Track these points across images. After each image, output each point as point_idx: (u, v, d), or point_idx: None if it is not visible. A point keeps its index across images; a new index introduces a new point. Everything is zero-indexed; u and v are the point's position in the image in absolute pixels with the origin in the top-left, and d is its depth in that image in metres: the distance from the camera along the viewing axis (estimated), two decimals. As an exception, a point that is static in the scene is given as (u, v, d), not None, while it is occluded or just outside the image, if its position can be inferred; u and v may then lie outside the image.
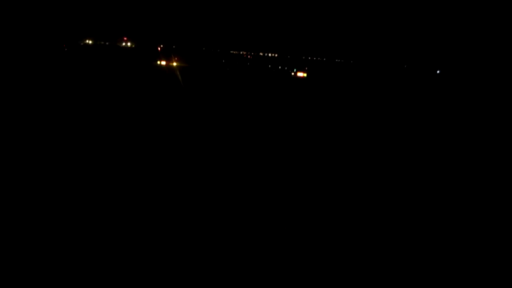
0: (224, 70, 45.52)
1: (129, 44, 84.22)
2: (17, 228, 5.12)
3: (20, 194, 6.19)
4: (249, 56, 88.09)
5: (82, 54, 50.16)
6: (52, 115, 12.49)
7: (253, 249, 5.09)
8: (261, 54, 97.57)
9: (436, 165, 10.30)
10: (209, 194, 6.88)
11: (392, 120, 18.32)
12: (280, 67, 59.31)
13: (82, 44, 71.10)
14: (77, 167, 7.64)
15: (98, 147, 9.30)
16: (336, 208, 6.73)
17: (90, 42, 76.75)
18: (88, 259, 4.54)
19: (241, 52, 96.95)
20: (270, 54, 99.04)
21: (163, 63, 45.44)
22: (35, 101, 14.63)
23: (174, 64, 45.34)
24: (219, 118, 14.78)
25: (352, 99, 26.90)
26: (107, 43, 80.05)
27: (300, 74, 44.30)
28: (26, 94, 16.22)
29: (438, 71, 78.90)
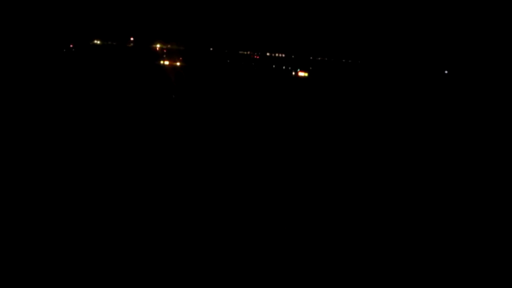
0: (228, 70, 45.70)
1: (136, 44, 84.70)
2: (17, 228, 5.16)
3: (27, 194, 6.25)
4: (256, 56, 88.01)
5: (89, 54, 50.63)
6: (57, 114, 12.65)
7: (253, 249, 5.11)
8: (268, 54, 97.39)
9: (444, 166, 10.11)
10: (210, 193, 6.93)
11: (398, 121, 18.02)
12: (284, 67, 59.32)
13: (90, 44, 71.69)
14: (84, 166, 7.81)
15: (100, 146, 9.42)
16: (337, 209, 6.72)
17: (98, 42, 77.38)
18: (88, 259, 4.58)
19: (247, 52, 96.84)
20: (277, 55, 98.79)
21: (167, 62, 45.79)
22: (40, 100, 14.83)
23: (178, 64, 45.66)
24: (220, 116, 14.90)
25: (358, 100, 26.67)
26: (114, 43, 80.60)
27: (301, 73, 44.28)
28: (31, 93, 16.42)
29: (446, 71, 78.08)
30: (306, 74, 43.70)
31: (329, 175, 8.71)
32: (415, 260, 5.17)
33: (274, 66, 62.85)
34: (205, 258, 4.83)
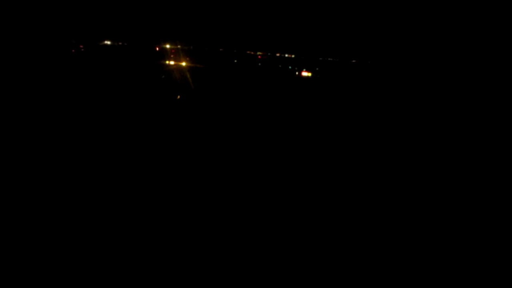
0: (235, 70, 45.80)
1: (144, 44, 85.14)
2: (17, 228, 5.38)
3: (35, 195, 6.51)
4: (264, 57, 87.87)
5: (99, 55, 51.04)
6: (67, 114, 12.98)
7: (253, 249, 5.33)
8: (277, 54, 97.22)
9: (454, 167, 10.18)
10: (214, 194, 7.17)
11: (406, 123, 17.91)
12: (290, 67, 59.25)
13: (99, 44, 72.32)
14: (93, 165, 8.08)
15: (108, 146, 9.66)
16: (338, 211, 6.90)
17: (108, 42, 78.07)
18: (88, 259, 4.79)
19: (255, 52, 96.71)
20: (286, 55, 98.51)
21: (173, 62, 46.11)
22: (49, 102, 15.15)
23: (184, 64, 45.97)
24: (226, 117, 15.11)
25: (362, 101, 26.59)
26: (125, 44, 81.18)
27: (306, 73, 44.32)
28: (40, 94, 16.74)
29: (452, 72, 77.19)
30: (309, 74, 43.75)
31: (335, 177, 8.81)
32: (415, 260, 5.34)
33: (280, 66, 62.82)
34: (206, 258, 5.05)
